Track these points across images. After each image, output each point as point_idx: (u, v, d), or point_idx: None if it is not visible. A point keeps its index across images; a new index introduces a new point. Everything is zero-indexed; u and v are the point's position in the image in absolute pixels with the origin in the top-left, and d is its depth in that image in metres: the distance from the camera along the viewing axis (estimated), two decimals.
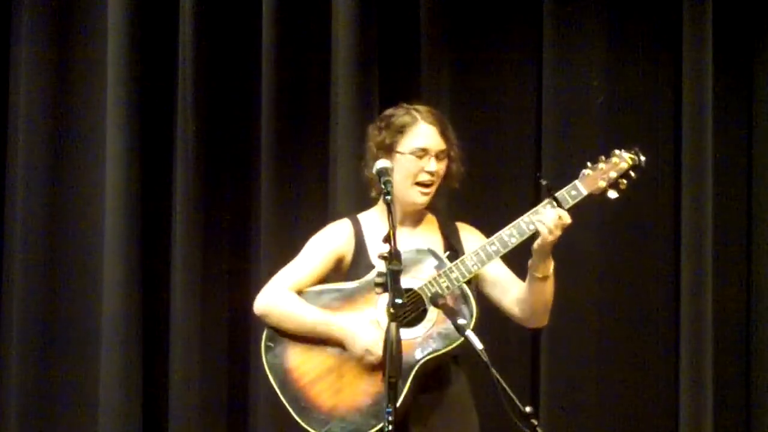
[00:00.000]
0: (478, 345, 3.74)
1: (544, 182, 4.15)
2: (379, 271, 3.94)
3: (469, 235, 4.30)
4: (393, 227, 3.82)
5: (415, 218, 4.29)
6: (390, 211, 3.86)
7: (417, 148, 4.18)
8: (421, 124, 4.21)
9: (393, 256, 3.78)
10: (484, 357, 3.70)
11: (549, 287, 4.15)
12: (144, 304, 5.45)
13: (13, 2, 5.61)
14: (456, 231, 4.31)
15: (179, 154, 5.46)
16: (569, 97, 5.40)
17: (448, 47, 5.45)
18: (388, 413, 3.64)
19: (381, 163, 4.06)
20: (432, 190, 4.22)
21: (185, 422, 5.39)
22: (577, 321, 5.34)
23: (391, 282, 3.75)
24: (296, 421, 4.08)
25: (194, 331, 5.42)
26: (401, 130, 4.21)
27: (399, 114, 4.25)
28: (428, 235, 4.27)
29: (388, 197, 3.91)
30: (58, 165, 5.58)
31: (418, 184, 4.19)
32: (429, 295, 4.06)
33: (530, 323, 4.28)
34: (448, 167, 4.24)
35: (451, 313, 3.90)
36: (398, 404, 3.91)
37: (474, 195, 5.30)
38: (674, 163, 5.38)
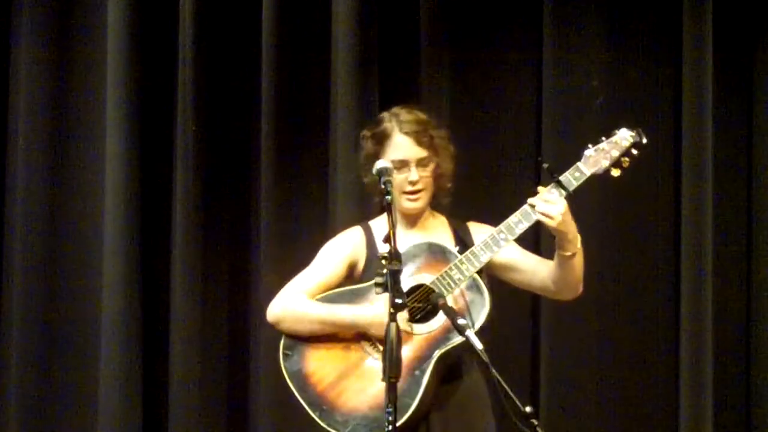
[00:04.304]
0: (478, 345, 3.75)
1: (545, 166, 4.16)
2: (379, 271, 3.95)
3: (481, 231, 4.30)
4: (393, 227, 3.84)
5: (424, 220, 4.31)
6: (390, 212, 3.88)
7: (395, 160, 4.20)
8: (397, 136, 4.23)
9: (393, 256, 3.79)
10: (484, 357, 3.71)
11: (579, 261, 4.16)
12: (144, 304, 5.45)
13: (13, 2, 5.61)
14: (467, 230, 4.33)
15: (179, 154, 5.46)
16: (569, 97, 5.40)
17: (448, 47, 5.45)
18: (389, 413, 3.65)
19: (380, 163, 4.09)
20: (421, 195, 4.24)
21: (185, 422, 5.39)
22: (577, 321, 5.34)
23: (391, 282, 3.76)
24: (318, 425, 4.08)
25: (194, 331, 5.42)
26: (381, 141, 4.25)
27: (381, 122, 4.28)
28: (439, 236, 4.28)
29: (388, 197, 3.94)
30: (58, 165, 5.58)
31: (405, 193, 4.21)
32: (441, 289, 4.07)
33: (566, 296, 4.28)
34: (437, 168, 4.25)
35: (452, 314, 3.91)
36: (420, 397, 4.01)
37: (474, 195, 5.30)
38: (674, 163, 5.38)
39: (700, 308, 5.27)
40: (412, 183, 4.21)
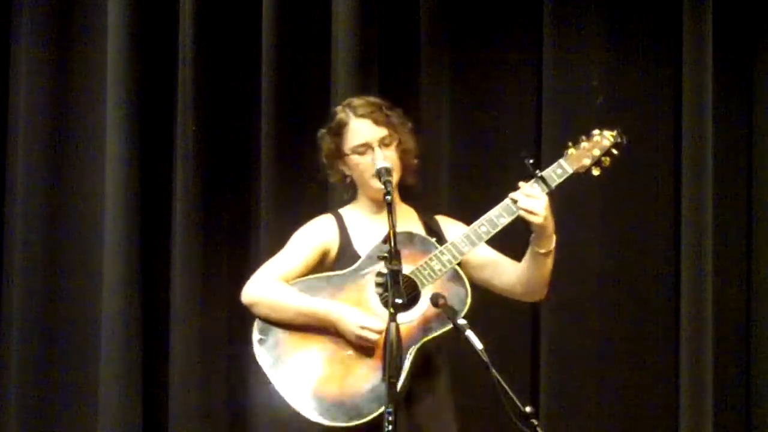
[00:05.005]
0: (478, 345, 3.75)
1: (530, 161, 4.17)
2: (379, 271, 3.97)
3: (450, 225, 4.33)
4: (393, 227, 3.87)
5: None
6: (390, 211, 3.91)
7: (357, 145, 4.24)
8: (354, 121, 4.27)
9: (393, 256, 3.80)
10: (484, 357, 3.71)
11: (550, 262, 4.18)
12: (144, 304, 5.45)
13: (13, 2, 5.61)
14: (437, 223, 4.35)
15: (179, 154, 5.46)
16: (569, 97, 5.40)
17: (448, 47, 5.45)
18: (389, 413, 3.65)
19: (380, 164, 4.15)
20: (391, 175, 4.22)
21: (185, 423, 5.39)
22: (577, 321, 5.34)
23: (391, 282, 3.76)
24: (294, 412, 4.07)
25: (194, 331, 5.42)
26: (339, 132, 4.28)
27: (336, 115, 4.32)
28: (409, 227, 4.28)
29: (389, 197, 3.97)
30: (58, 165, 5.58)
31: (374, 175, 4.21)
32: (421, 279, 4.08)
33: (531, 298, 4.33)
34: (399, 146, 4.27)
35: (451, 314, 3.91)
36: (398, 388, 3.93)
37: (474, 195, 5.31)
38: (674, 163, 5.39)
39: (700, 308, 5.27)
40: None
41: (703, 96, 5.30)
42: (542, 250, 4.13)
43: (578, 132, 5.34)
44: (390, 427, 3.65)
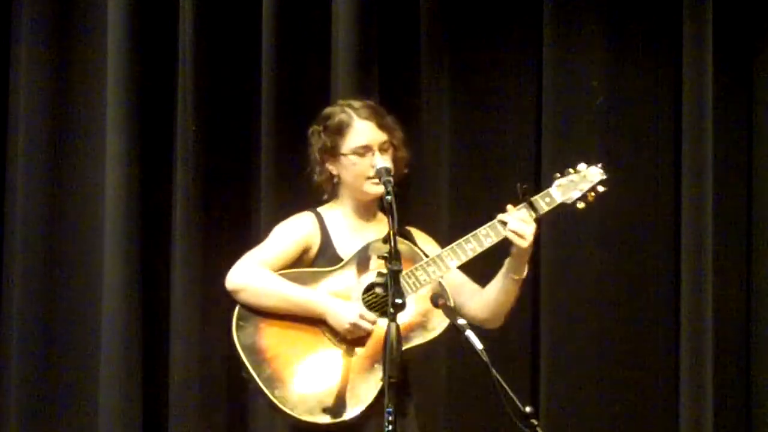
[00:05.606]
0: (478, 345, 3.75)
1: (524, 186, 4.15)
2: (379, 272, 3.96)
3: (421, 237, 4.32)
4: (393, 228, 3.86)
5: (369, 216, 4.29)
6: (391, 212, 3.90)
7: (358, 146, 4.21)
8: (357, 122, 4.24)
9: (393, 256, 3.80)
10: (484, 357, 3.71)
11: (519, 289, 4.18)
12: (144, 304, 5.45)
13: (13, 2, 5.61)
14: (410, 233, 4.32)
15: (179, 154, 5.46)
16: (569, 97, 5.41)
17: (448, 47, 5.45)
18: (389, 413, 3.65)
19: (380, 163, 4.13)
20: (391, 175, 4.20)
21: (185, 422, 5.38)
22: (577, 321, 5.34)
23: (391, 282, 3.76)
24: (270, 402, 4.04)
25: (194, 331, 5.42)
26: (339, 131, 4.25)
27: (335, 114, 4.28)
28: (383, 233, 4.26)
29: (389, 197, 3.96)
30: (58, 165, 5.57)
31: (369, 178, 4.21)
32: (406, 287, 4.04)
33: (491, 324, 4.27)
34: (394, 154, 4.26)
35: (451, 314, 3.91)
36: (378, 389, 3.96)
37: (474, 195, 5.31)
38: (674, 163, 5.39)
39: (700, 308, 5.28)
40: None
41: (703, 96, 5.31)
42: (516, 277, 4.14)
43: (578, 132, 5.37)
44: (390, 427, 3.65)
